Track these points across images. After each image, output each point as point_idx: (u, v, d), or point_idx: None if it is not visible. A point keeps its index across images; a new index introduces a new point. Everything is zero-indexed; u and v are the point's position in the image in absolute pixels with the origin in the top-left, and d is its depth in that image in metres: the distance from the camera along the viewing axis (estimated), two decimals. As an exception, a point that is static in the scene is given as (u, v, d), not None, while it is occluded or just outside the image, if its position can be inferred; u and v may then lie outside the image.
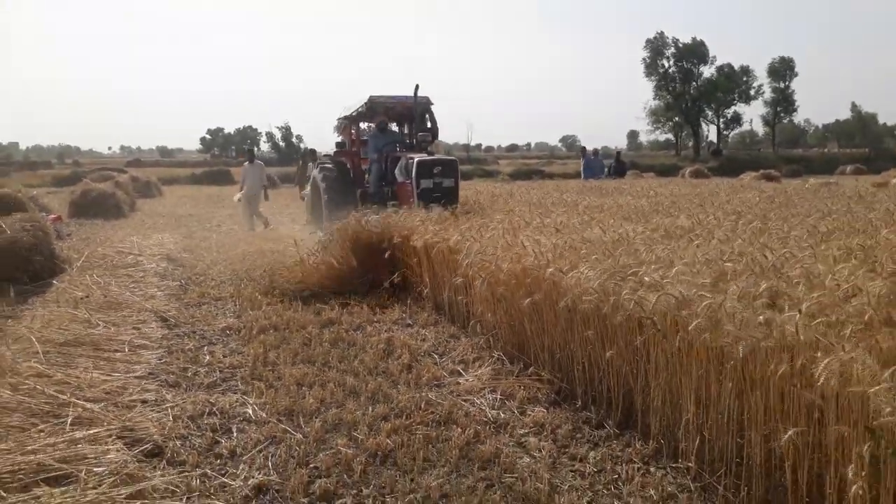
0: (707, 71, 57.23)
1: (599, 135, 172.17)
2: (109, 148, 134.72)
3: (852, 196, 9.11)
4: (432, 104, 9.85)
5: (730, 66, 57.30)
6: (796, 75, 60.01)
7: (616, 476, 3.17)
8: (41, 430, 3.23)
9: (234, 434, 3.66)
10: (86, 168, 34.86)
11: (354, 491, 3.04)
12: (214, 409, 3.97)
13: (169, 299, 6.71)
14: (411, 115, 9.85)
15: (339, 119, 11.53)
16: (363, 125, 11.42)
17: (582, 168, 19.35)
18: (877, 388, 2.14)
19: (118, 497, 2.68)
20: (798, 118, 75.19)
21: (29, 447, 3.05)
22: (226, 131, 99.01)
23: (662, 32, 56.93)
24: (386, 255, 6.51)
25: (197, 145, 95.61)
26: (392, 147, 9.78)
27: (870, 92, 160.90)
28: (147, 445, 3.32)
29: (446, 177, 8.46)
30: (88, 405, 3.53)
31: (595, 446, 3.48)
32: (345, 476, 3.17)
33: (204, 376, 4.55)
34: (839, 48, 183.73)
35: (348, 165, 10.27)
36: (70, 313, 5.35)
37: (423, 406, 3.96)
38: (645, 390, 3.46)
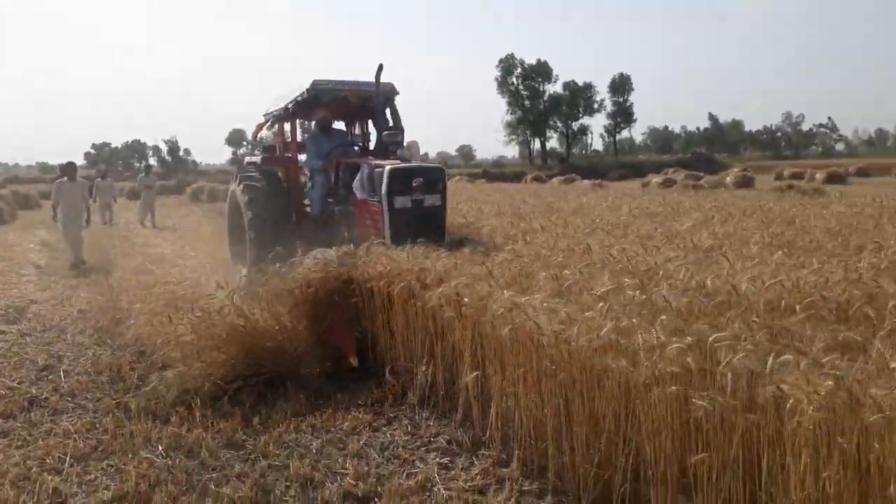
0: (553, 88, 66.72)
1: (488, 144, 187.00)
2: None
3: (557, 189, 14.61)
4: (397, 93, 7.18)
5: (574, 82, 66.75)
6: (633, 90, 70.15)
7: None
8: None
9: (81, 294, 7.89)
10: (-40, 186, 36.19)
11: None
12: (69, 295, 8.15)
13: (42, 258, 10.75)
14: (368, 108, 7.23)
15: (265, 115, 8.34)
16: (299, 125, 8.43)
17: None
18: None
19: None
20: (674, 126, 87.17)
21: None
22: (112, 145, 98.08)
23: (512, 54, 66.57)
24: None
25: (81, 161, 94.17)
26: (344, 151, 7.38)
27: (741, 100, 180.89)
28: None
29: (430, 192, 6.01)
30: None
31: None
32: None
33: (62, 288, 8.67)
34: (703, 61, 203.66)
35: (281, 176, 7.73)
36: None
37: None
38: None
